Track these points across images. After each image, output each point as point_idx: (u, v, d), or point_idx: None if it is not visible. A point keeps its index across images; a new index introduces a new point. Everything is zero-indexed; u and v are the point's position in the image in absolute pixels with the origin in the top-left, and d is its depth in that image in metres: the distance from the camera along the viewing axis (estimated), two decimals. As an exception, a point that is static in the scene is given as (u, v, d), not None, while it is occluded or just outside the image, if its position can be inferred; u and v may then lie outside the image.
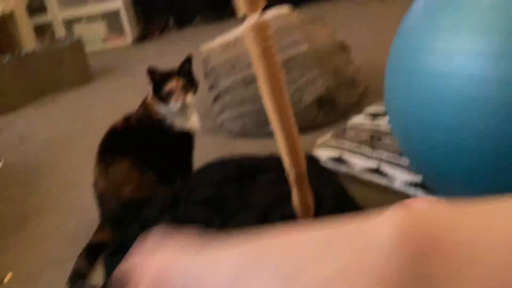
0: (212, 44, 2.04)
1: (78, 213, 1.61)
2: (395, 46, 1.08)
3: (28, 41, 3.66)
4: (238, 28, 2.00)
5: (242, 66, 1.85)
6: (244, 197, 1.09)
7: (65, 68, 3.12)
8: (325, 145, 1.53)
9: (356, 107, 1.92)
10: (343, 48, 1.92)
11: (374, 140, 1.44)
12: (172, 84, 1.34)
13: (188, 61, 1.39)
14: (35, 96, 3.05)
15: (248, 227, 0.95)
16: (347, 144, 1.48)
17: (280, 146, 0.78)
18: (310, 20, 1.89)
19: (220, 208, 1.06)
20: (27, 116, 2.80)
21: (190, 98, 1.36)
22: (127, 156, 1.36)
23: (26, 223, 1.63)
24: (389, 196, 1.30)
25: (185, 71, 1.38)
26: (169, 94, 1.34)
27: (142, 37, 4.28)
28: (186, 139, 1.42)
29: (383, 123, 1.52)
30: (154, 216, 1.10)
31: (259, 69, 0.69)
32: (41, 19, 4.19)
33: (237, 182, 1.15)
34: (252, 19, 0.64)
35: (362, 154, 1.40)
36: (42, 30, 4.23)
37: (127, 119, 1.42)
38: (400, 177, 1.28)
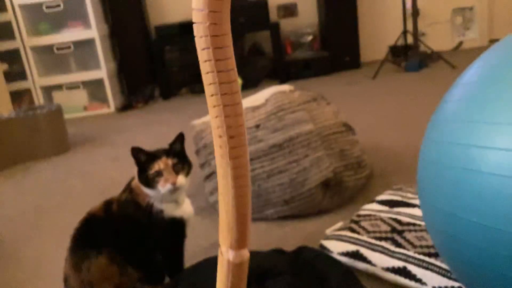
0: (205, 119, 1.88)
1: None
2: (435, 138, 0.92)
3: (4, 107, 3.47)
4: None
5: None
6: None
7: (41, 136, 2.91)
8: (336, 237, 1.33)
9: (363, 191, 1.76)
10: (347, 128, 1.78)
11: (395, 234, 1.25)
12: (160, 164, 1.15)
13: (179, 139, 1.21)
14: (6, 165, 2.80)
15: None
16: (364, 236, 1.28)
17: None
18: (312, 98, 1.76)
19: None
20: (-7, 188, 2.54)
21: (181, 180, 1.17)
22: (106, 248, 1.14)
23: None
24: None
25: (176, 150, 1.20)
26: (157, 176, 1.14)
27: (126, 106, 4.13)
28: (176, 229, 1.21)
29: (403, 213, 1.34)
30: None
31: None
32: (19, 85, 4.02)
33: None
34: (234, 255, 0.56)
35: (383, 250, 1.21)
36: (20, 96, 4.05)
37: (108, 205, 1.22)
38: (432, 281, 1.09)
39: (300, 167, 1.60)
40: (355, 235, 1.30)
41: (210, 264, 1.10)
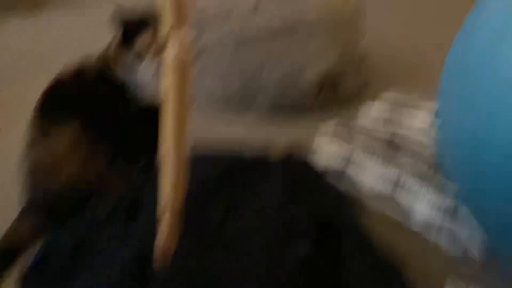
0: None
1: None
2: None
3: None
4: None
5: (240, 12, 1.46)
6: (239, 219, 0.76)
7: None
8: (328, 137, 1.22)
9: (362, 93, 1.61)
10: (355, 16, 1.57)
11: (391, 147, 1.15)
12: (147, 38, 0.97)
13: None
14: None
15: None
16: (359, 140, 1.17)
17: (164, 180, 0.69)
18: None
19: (203, 233, 0.73)
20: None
21: None
22: (75, 120, 1.00)
23: None
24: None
25: None
26: (142, 51, 0.97)
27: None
28: (156, 115, 1.07)
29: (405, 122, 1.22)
30: (97, 226, 0.77)
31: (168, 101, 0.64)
32: None
33: (227, 191, 0.82)
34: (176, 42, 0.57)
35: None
36: None
37: (80, 72, 1.05)
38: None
39: (296, 56, 1.43)
40: (349, 137, 1.19)
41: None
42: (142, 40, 0.97)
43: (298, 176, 0.95)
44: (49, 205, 0.95)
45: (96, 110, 1.02)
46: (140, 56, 0.97)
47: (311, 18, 1.43)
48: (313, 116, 1.50)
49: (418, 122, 1.22)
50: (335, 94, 1.53)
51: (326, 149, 1.19)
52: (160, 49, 0.95)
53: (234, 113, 1.55)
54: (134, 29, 0.98)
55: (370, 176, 1.09)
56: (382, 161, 1.11)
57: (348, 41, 1.52)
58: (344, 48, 1.50)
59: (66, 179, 0.98)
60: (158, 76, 0.99)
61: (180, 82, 0.62)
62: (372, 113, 1.31)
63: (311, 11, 1.43)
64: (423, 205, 0.99)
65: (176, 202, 0.69)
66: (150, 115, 1.05)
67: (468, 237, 0.89)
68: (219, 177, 0.88)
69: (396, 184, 1.05)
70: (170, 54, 0.59)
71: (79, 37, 2.32)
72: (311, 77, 1.44)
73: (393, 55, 1.91)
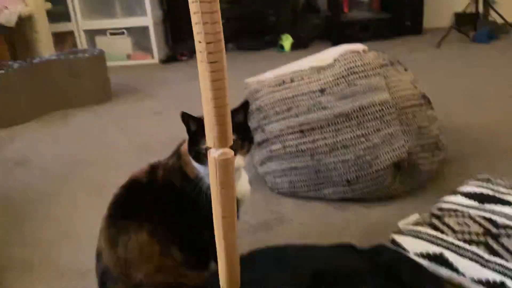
0: (262, 78, 1.66)
1: (71, 277, 1.21)
2: None
3: (46, 49, 3.34)
4: (294, 64, 1.63)
5: (300, 110, 1.46)
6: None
7: (83, 82, 2.77)
8: (413, 233, 1.12)
9: (438, 177, 1.54)
10: (426, 101, 1.54)
11: (489, 238, 1.03)
12: None
13: (243, 108, 0.98)
14: (43, 111, 2.68)
15: None
16: (449, 237, 1.07)
17: (219, 265, 0.71)
18: (389, 61, 1.51)
19: None
20: (30, 133, 2.43)
21: (239, 161, 0.96)
22: (147, 222, 0.97)
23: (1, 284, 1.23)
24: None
25: (237, 121, 0.96)
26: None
27: (170, 57, 3.94)
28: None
29: (498, 211, 1.11)
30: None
31: (215, 196, 0.67)
32: (62, 26, 3.88)
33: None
34: (216, 153, 0.63)
35: (475, 257, 1.00)
36: (62, 39, 3.92)
37: (153, 170, 1.04)
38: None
39: (369, 143, 1.38)
40: (438, 234, 1.08)
41: (266, 257, 0.91)
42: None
43: (395, 270, 0.86)
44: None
45: (168, 211, 0.99)
46: (207, 158, 0.94)
47: (381, 102, 1.39)
48: (390, 201, 1.43)
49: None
50: (411, 180, 1.45)
51: (415, 237, 1.09)
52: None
53: (300, 200, 1.50)
54: (200, 132, 0.96)
55: (471, 266, 0.97)
56: (483, 251, 0.99)
57: (420, 125, 1.45)
58: (417, 131, 1.44)
59: (137, 282, 0.95)
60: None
61: (223, 180, 0.65)
62: (460, 197, 1.21)
63: (380, 93, 1.40)
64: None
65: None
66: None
67: None
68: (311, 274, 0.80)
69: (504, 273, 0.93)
70: (213, 158, 0.63)
71: (139, 124, 2.40)
72: (384, 161, 1.37)
73: (463, 137, 1.84)
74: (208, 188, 0.98)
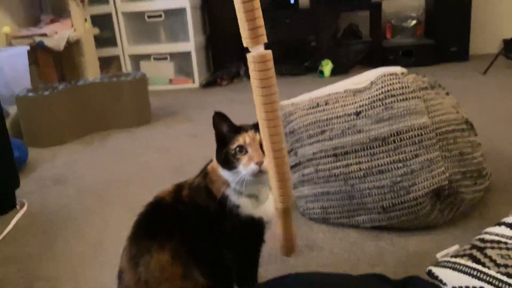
0: (296, 100, 1.63)
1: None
2: None
3: (92, 72, 3.45)
4: (329, 87, 1.59)
5: (334, 133, 1.42)
6: None
7: (124, 104, 2.83)
8: (452, 265, 1.04)
9: (482, 207, 1.44)
10: (469, 126, 1.46)
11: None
12: (246, 137, 0.92)
13: None
14: (84, 132, 2.75)
15: None
16: (491, 271, 0.98)
17: (272, 179, 0.81)
18: (430, 85, 1.45)
19: None
20: (70, 153, 2.49)
21: None
22: (170, 243, 0.94)
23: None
24: None
25: None
26: (239, 152, 0.92)
27: (210, 82, 3.99)
28: (253, 231, 0.98)
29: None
30: None
31: (256, 98, 0.72)
32: (109, 51, 4.01)
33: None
34: (255, 51, 0.68)
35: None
36: (108, 63, 4.05)
37: (178, 189, 1.02)
38: None
39: (406, 169, 1.32)
40: (479, 267, 1.00)
41: (291, 283, 0.86)
42: (238, 141, 0.92)
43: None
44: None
45: (192, 232, 0.96)
46: (238, 158, 0.91)
47: (420, 126, 1.33)
48: (428, 231, 1.34)
49: None
50: (452, 210, 1.36)
51: (454, 269, 1.01)
52: (255, 154, 0.90)
53: (333, 227, 1.43)
54: (232, 132, 0.94)
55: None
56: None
57: (462, 152, 1.38)
58: (458, 157, 1.36)
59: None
60: (253, 182, 0.92)
61: (263, 75, 0.69)
62: (504, 228, 1.12)
63: (419, 117, 1.33)
64: None
65: (284, 200, 0.82)
66: (249, 230, 0.97)
67: None
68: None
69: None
70: (250, 56, 0.68)
71: (175, 145, 2.41)
72: (423, 188, 1.29)
73: (510, 165, 1.73)
74: (233, 206, 0.95)
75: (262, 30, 0.67)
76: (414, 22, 4.12)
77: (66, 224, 1.65)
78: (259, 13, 0.66)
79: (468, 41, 3.93)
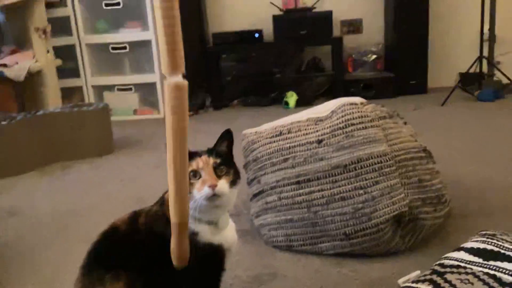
0: (259, 129, 1.64)
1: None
2: None
3: (53, 103, 3.39)
4: (292, 116, 1.61)
5: (297, 160, 1.43)
6: None
7: (85, 134, 2.77)
8: (416, 282, 1.04)
9: (441, 233, 1.47)
10: (427, 154, 1.50)
11: (495, 296, 0.96)
12: (199, 162, 0.91)
13: (226, 137, 0.98)
14: (44, 162, 2.67)
15: None
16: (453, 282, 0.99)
17: (170, 194, 0.82)
18: (388, 114, 1.49)
19: None
20: (28, 183, 2.41)
21: (223, 185, 0.92)
22: (125, 272, 0.91)
23: None
24: None
25: (220, 151, 0.96)
26: (193, 177, 0.91)
27: (175, 113, 3.97)
28: (213, 259, 0.96)
29: (504, 268, 1.04)
30: None
31: (168, 123, 0.76)
32: (72, 82, 3.96)
33: None
34: (172, 79, 0.72)
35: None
36: (71, 94, 3.98)
37: (134, 217, 0.99)
38: None
39: (367, 196, 1.33)
40: (439, 291, 1.01)
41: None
42: (191, 166, 0.91)
43: None
44: None
45: (148, 261, 0.93)
46: (189, 184, 0.90)
47: (379, 154, 1.35)
48: (390, 257, 1.35)
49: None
50: (412, 236, 1.38)
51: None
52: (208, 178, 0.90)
53: (297, 254, 1.42)
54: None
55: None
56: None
57: (421, 179, 1.41)
58: (417, 184, 1.39)
59: None
60: (208, 207, 0.91)
61: (175, 102, 0.74)
62: (463, 253, 1.14)
63: (378, 145, 1.36)
64: None
65: (180, 215, 0.84)
66: (207, 258, 0.95)
67: None
68: None
69: None
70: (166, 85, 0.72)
71: (138, 176, 2.37)
72: (384, 215, 1.31)
73: (468, 193, 1.78)
74: (191, 234, 0.93)
75: (181, 60, 0.72)
76: (374, 56, 4.27)
77: (21, 258, 1.58)
78: (180, 45, 0.71)
79: (426, 74, 4.09)
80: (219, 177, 0.92)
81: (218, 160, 0.93)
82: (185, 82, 0.72)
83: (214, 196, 0.89)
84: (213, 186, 0.89)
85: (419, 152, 1.46)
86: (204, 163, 0.91)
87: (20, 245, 1.68)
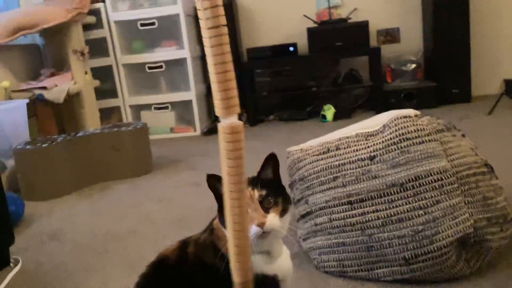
0: (305, 146, 1.56)
1: None
2: None
3: (92, 123, 3.41)
4: (338, 131, 1.53)
5: (348, 179, 1.34)
6: None
7: (124, 154, 2.76)
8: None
9: (508, 255, 1.34)
10: (489, 169, 1.38)
11: None
12: None
13: (270, 162, 0.90)
14: (84, 183, 2.67)
15: None
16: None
17: (230, 249, 0.72)
18: (446, 127, 1.39)
19: None
20: (68, 206, 2.40)
21: (273, 220, 0.84)
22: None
23: None
24: None
25: (266, 178, 0.89)
26: None
27: (211, 130, 3.94)
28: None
29: None
30: None
31: (223, 168, 0.68)
32: (109, 102, 3.99)
33: None
34: (226, 121, 0.66)
35: None
36: (109, 114, 4.02)
37: (183, 246, 0.93)
38: None
39: (428, 217, 1.23)
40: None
41: None
42: None
43: None
44: None
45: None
46: None
47: (439, 170, 1.25)
48: (455, 283, 1.24)
49: None
50: (478, 259, 1.27)
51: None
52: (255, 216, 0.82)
53: (350, 280, 1.33)
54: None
55: None
56: None
57: (485, 196, 1.29)
58: (482, 202, 1.28)
59: None
60: (258, 243, 0.84)
61: (232, 147, 0.67)
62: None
63: (438, 161, 1.26)
64: None
65: (243, 274, 0.72)
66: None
67: None
68: None
69: None
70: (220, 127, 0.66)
71: (178, 195, 2.32)
72: (447, 237, 1.20)
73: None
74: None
75: (235, 101, 0.65)
76: (413, 65, 4.13)
77: (62, 284, 1.54)
78: (232, 84, 0.64)
79: (469, 82, 3.92)
80: (267, 210, 0.85)
81: (264, 192, 0.86)
82: (240, 123, 0.65)
83: (264, 233, 0.83)
84: (261, 225, 0.82)
85: (481, 167, 1.35)
86: (249, 198, 0.84)
87: (61, 271, 1.65)
